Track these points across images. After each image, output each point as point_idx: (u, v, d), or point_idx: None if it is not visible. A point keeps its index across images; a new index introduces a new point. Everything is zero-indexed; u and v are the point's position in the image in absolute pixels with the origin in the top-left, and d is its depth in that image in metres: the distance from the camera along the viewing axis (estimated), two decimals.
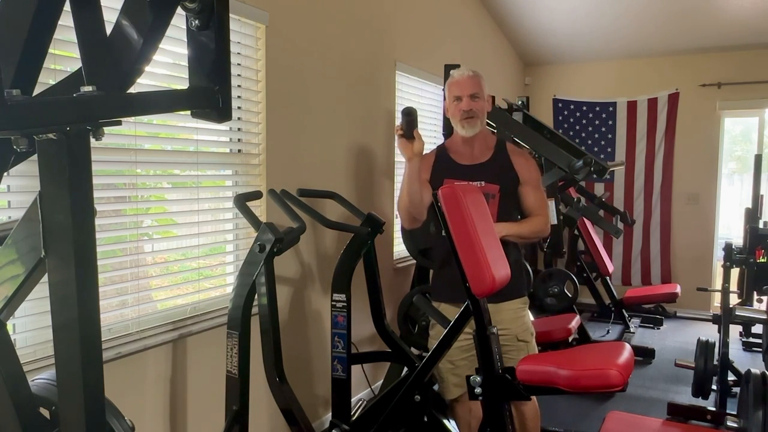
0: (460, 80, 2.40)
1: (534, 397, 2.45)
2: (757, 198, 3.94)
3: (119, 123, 1.04)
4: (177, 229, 2.56)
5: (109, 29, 1.13)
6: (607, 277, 5.08)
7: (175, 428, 2.33)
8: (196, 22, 1.15)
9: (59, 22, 1.04)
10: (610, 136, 6.04)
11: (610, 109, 6.00)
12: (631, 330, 5.06)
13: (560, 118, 6.16)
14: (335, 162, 3.25)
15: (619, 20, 5.26)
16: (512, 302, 2.38)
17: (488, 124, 3.67)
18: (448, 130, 3.29)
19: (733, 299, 3.75)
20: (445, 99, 2.50)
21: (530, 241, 2.58)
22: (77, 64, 1.34)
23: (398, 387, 2.36)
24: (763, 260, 3.69)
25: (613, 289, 5.11)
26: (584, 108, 6.09)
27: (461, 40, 4.84)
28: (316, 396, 3.14)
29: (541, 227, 2.46)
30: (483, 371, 2.04)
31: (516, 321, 2.37)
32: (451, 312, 2.30)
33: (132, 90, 1.18)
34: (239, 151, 2.69)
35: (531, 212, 2.45)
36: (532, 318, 3.76)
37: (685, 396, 3.62)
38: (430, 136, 4.39)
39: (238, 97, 2.59)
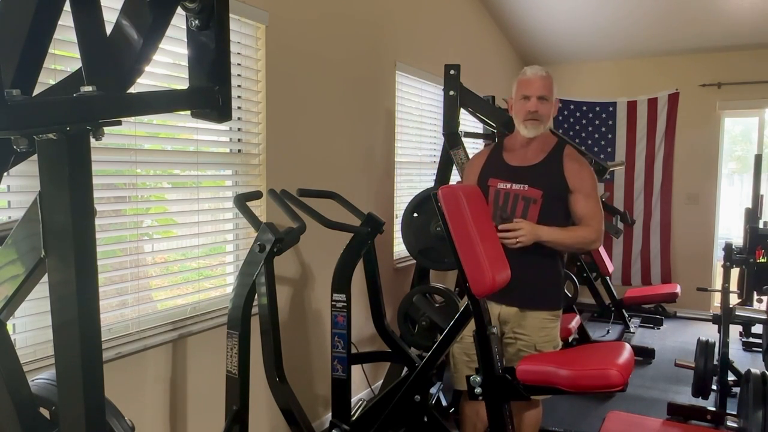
0: (532, 79, 2.34)
1: (540, 407, 2.45)
2: (757, 198, 3.94)
3: (119, 123, 1.04)
4: (177, 229, 2.56)
5: (109, 29, 1.13)
6: (607, 277, 5.07)
7: (175, 428, 2.33)
8: (196, 22, 1.15)
9: (59, 22, 1.04)
10: (610, 136, 6.04)
11: (610, 109, 6.00)
12: (631, 330, 5.06)
13: (560, 118, 6.15)
14: (335, 162, 3.25)
15: (619, 20, 5.26)
16: (540, 312, 2.33)
17: (488, 124, 3.68)
18: (447, 129, 3.28)
19: (733, 299, 3.75)
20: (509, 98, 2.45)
21: (573, 251, 2.39)
22: (77, 64, 1.33)
23: (398, 387, 2.36)
24: (763, 260, 3.69)
25: (613, 289, 5.11)
26: (584, 108, 6.09)
27: (461, 40, 4.84)
28: (316, 396, 3.14)
29: (588, 238, 2.31)
30: (483, 371, 2.04)
31: (539, 331, 2.33)
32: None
33: (132, 90, 1.18)
34: (239, 151, 2.69)
35: (580, 221, 2.33)
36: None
37: (685, 396, 3.62)
38: (430, 136, 4.40)
39: (238, 97, 2.59)
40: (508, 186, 2.36)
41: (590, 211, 2.32)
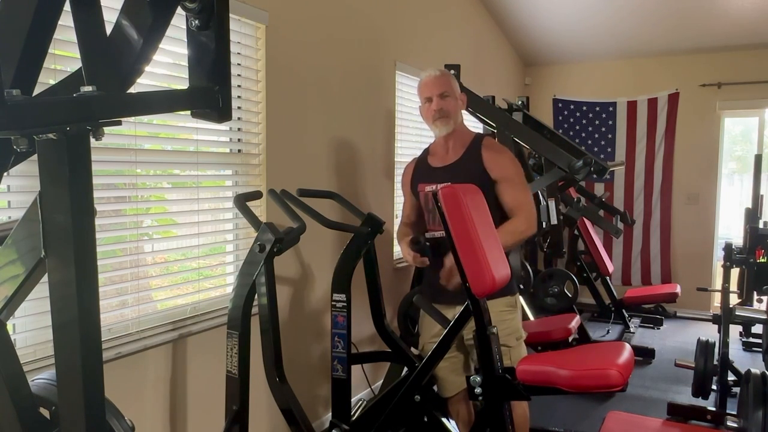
0: (428, 81, 2.39)
1: (525, 404, 2.42)
2: (757, 198, 3.94)
3: (119, 123, 1.04)
4: (177, 229, 2.56)
5: (109, 29, 1.13)
6: (607, 277, 5.07)
7: (175, 428, 2.33)
8: (196, 22, 1.16)
9: (59, 22, 1.04)
10: (610, 136, 6.04)
11: (610, 109, 6.00)
12: (631, 330, 5.06)
13: (560, 118, 6.16)
14: (335, 162, 3.25)
15: (619, 20, 5.26)
16: (495, 302, 2.23)
17: (488, 124, 3.68)
18: None
19: (733, 299, 3.75)
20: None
21: (513, 246, 2.32)
22: (77, 64, 1.34)
23: (398, 387, 2.36)
24: (763, 260, 3.69)
25: (613, 289, 5.11)
26: (584, 108, 6.09)
27: (461, 40, 4.84)
28: (316, 396, 3.14)
29: (518, 229, 2.28)
30: (483, 371, 2.04)
31: (499, 324, 2.20)
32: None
33: (132, 90, 1.18)
34: (239, 151, 2.69)
35: (510, 212, 2.32)
36: (531, 317, 3.79)
37: (685, 396, 3.62)
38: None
39: (238, 97, 2.59)
40: (434, 187, 2.32)
41: (517, 199, 2.31)
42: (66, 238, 0.98)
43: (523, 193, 2.35)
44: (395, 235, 2.81)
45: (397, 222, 3.78)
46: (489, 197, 2.30)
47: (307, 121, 2.99)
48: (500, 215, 2.35)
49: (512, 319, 2.35)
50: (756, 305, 3.76)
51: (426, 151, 2.56)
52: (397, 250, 3.88)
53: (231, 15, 1.23)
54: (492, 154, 2.35)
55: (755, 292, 3.75)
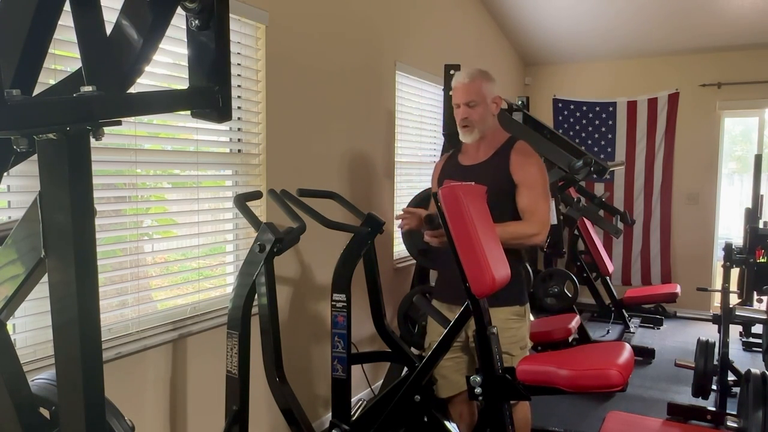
0: (457, 87, 2.37)
1: (527, 404, 2.40)
2: (757, 198, 3.93)
3: (119, 123, 1.04)
4: (177, 229, 2.56)
5: (109, 29, 1.13)
6: (607, 277, 5.07)
7: (175, 428, 2.33)
8: (196, 22, 1.16)
9: (59, 22, 1.04)
10: (610, 136, 6.04)
11: (610, 109, 6.00)
12: (631, 330, 5.06)
13: (560, 118, 6.16)
14: (335, 162, 3.25)
15: (619, 20, 5.26)
16: (501, 310, 2.23)
17: None
18: (447, 129, 3.29)
19: (733, 299, 3.75)
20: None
21: (513, 246, 2.28)
22: (77, 64, 1.34)
23: (398, 387, 2.36)
24: (763, 260, 3.69)
25: (613, 289, 5.11)
26: (584, 108, 6.09)
27: (461, 40, 4.84)
28: (316, 396, 3.14)
29: (525, 232, 2.26)
30: (483, 371, 2.04)
31: (503, 332, 2.19)
32: (451, 314, 2.30)
33: (132, 90, 1.18)
34: (239, 151, 2.69)
35: (522, 215, 2.31)
36: (531, 317, 3.78)
37: (685, 396, 3.62)
38: (431, 136, 4.40)
39: (238, 97, 2.59)
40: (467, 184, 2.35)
41: (530, 204, 2.29)
42: (66, 238, 0.98)
43: (540, 201, 2.30)
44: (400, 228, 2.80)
45: (397, 222, 3.77)
46: (510, 201, 2.32)
47: (307, 121, 2.99)
48: (514, 219, 2.34)
49: (518, 328, 2.31)
50: (756, 305, 3.76)
51: (458, 149, 2.55)
52: (398, 250, 3.89)
53: (231, 15, 1.23)
54: (519, 158, 2.33)
55: (755, 292, 3.75)
